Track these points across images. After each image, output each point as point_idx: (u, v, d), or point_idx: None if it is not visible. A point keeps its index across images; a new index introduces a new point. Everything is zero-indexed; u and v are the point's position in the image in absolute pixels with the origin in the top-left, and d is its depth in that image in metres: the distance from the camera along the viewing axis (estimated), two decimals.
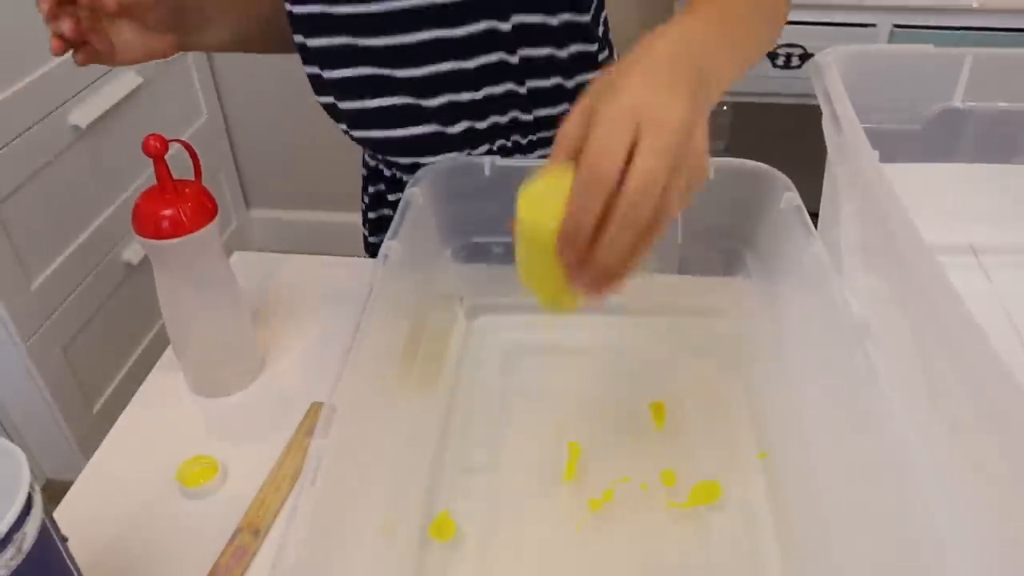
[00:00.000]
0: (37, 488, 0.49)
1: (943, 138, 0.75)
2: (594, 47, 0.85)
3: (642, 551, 0.62)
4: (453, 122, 0.84)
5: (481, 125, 0.85)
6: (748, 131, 2.22)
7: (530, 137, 0.87)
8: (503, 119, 0.85)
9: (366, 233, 1.04)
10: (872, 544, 0.50)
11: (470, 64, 0.81)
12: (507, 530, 0.64)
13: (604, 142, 0.44)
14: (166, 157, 0.69)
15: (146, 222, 0.69)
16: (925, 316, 0.47)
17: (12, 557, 0.46)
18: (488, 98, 0.83)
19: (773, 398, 0.70)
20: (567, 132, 0.47)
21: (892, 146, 0.76)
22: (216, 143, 2.22)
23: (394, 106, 0.84)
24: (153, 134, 0.68)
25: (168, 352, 0.84)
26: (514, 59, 0.81)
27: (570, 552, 0.63)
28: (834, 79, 0.64)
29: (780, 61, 1.72)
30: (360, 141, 0.89)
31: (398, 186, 0.94)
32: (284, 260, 0.96)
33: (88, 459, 0.74)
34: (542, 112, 0.86)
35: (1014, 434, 0.38)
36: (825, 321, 0.60)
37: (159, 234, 0.69)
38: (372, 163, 0.96)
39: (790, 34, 1.69)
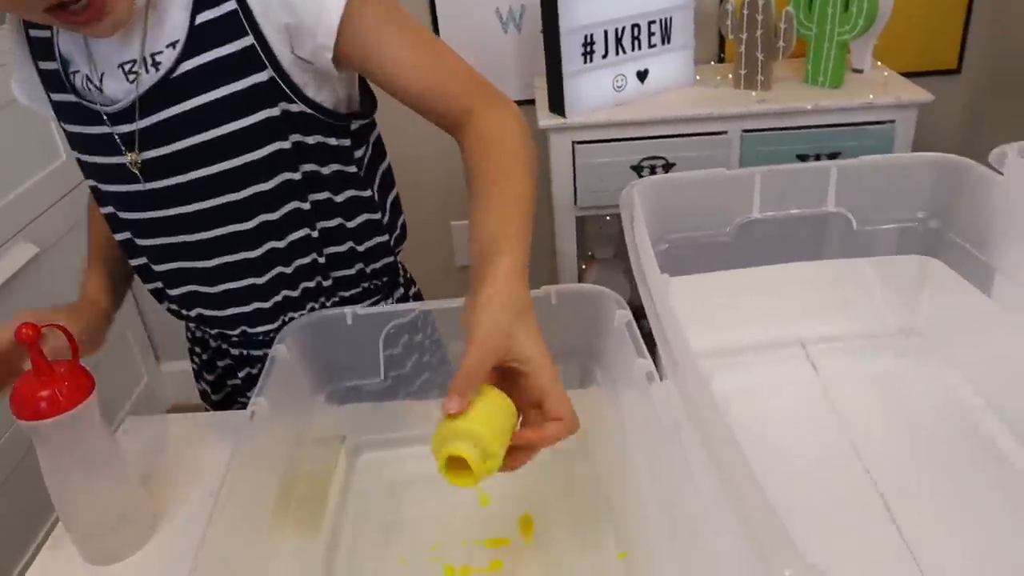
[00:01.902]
0: None
1: (752, 244, 0.84)
2: (378, 215, 0.96)
3: None
4: (272, 294, 0.94)
5: (294, 293, 0.95)
6: None
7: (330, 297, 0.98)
8: (311, 284, 0.95)
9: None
10: None
11: (282, 243, 0.91)
12: None
13: (568, 408, 0.64)
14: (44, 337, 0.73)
15: (24, 405, 0.73)
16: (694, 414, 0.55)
17: None
18: (298, 268, 0.93)
19: (624, 497, 0.76)
20: (477, 373, 0.62)
21: (710, 255, 0.85)
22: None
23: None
24: (25, 323, 0.72)
25: (55, 535, 0.85)
26: (315, 233, 0.91)
27: None
28: (636, 211, 0.73)
29: (645, 172, 1.85)
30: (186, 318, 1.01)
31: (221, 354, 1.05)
32: (173, 420, 0.99)
33: None
34: (339, 274, 0.96)
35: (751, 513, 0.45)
36: (650, 423, 0.67)
37: (37, 415, 0.73)
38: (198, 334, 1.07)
39: (654, 147, 1.83)
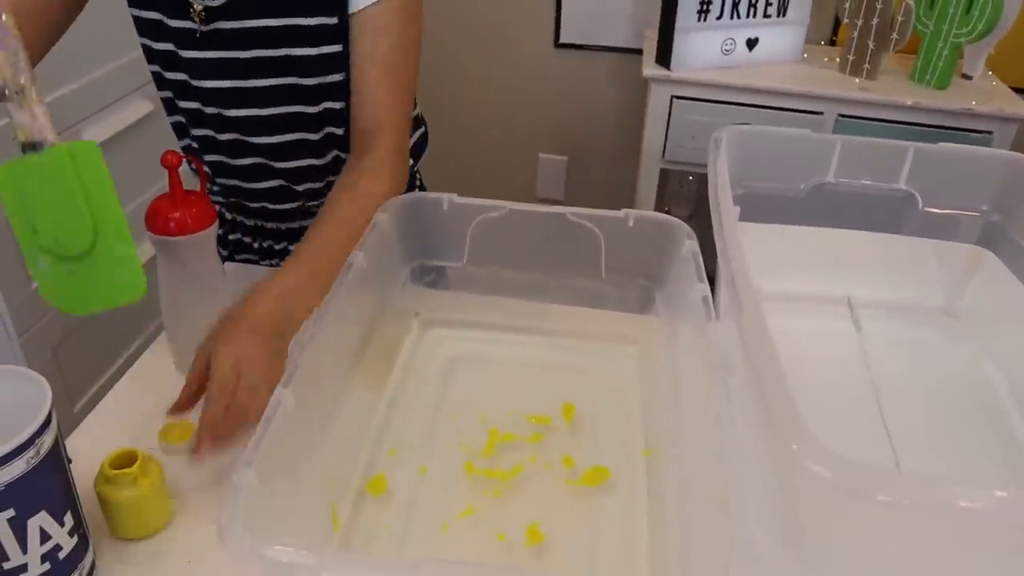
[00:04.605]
0: (54, 411, 0.63)
1: (821, 205, 0.91)
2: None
3: (540, 516, 0.76)
4: (299, 181, 1.08)
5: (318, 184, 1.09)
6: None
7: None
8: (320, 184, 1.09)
9: None
10: (714, 525, 0.63)
11: (315, 136, 1.03)
12: (430, 490, 0.78)
13: (223, 383, 0.73)
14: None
15: (157, 221, 0.84)
16: (750, 352, 0.61)
17: (33, 456, 0.60)
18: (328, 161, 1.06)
19: (661, 410, 0.84)
20: (195, 369, 0.76)
21: (780, 209, 0.92)
22: None
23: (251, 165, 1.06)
24: (170, 150, 0.83)
25: (159, 340, 0.97)
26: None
27: (482, 510, 0.76)
28: (722, 154, 0.79)
29: None
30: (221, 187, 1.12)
31: (258, 232, 1.18)
32: (266, 271, 1.10)
33: None
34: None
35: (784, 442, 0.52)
36: (702, 355, 0.74)
37: (167, 232, 0.84)
38: (229, 216, 1.19)
39: (749, 115, 1.87)
